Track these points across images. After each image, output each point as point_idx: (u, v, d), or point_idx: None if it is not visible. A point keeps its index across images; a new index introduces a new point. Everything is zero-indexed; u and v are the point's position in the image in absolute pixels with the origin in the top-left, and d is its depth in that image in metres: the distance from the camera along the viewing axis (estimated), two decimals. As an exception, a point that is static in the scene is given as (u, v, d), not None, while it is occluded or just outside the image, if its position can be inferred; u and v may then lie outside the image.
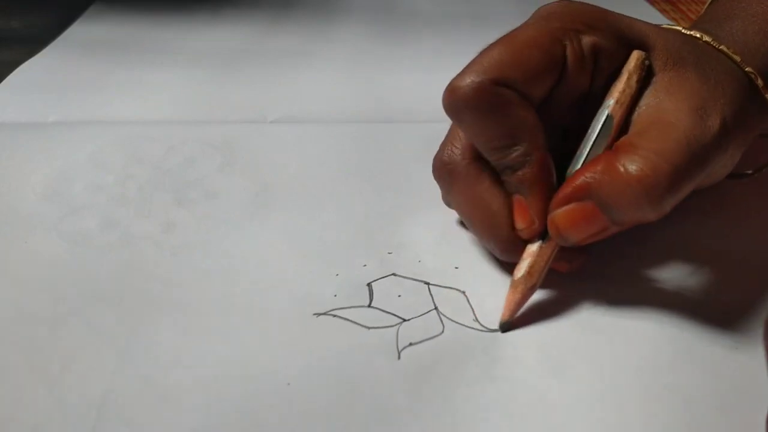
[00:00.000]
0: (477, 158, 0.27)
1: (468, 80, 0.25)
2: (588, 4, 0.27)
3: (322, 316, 0.26)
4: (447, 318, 0.26)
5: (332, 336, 0.25)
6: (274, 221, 0.31)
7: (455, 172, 0.28)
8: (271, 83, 0.44)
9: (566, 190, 0.25)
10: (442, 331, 0.26)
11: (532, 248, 0.26)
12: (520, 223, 0.26)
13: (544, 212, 0.26)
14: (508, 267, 0.28)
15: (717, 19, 0.32)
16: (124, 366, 0.24)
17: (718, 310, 0.26)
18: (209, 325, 0.26)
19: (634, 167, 0.23)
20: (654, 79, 0.26)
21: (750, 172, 0.31)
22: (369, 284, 0.28)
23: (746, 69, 0.28)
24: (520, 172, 0.26)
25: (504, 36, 0.26)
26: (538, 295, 0.27)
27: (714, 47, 0.28)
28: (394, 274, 0.28)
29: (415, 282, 0.28)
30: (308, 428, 0.22)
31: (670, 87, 0.26)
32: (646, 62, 0.26)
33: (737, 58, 0.28)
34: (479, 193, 0.27)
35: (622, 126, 0.26)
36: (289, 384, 0.23)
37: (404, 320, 0.26)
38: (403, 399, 0.23)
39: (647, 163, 0.23)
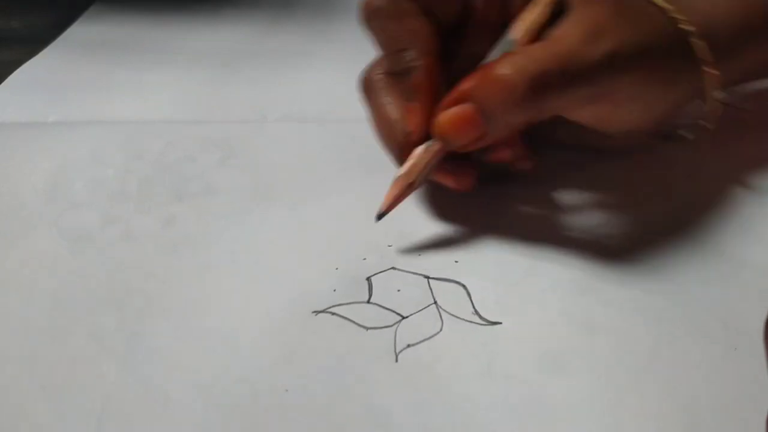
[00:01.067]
0: (389, 73, 0.29)
1: None
2: None
3: (321, 314, 0.26)
4: (446, 312, 0.26)
5: (331, 338, 0.25)
6: (273, 217, 0.31)
7: (370, 86, 0.30)
8: (271, 83, 0.44)
9: (452, 94, 0.27)
10: (441, 329, 0.26)
11: (418, 150, 0.28)
12: (409, 125, 0.28)
13: (430, 116, 0.27)
14: (510, 261, 0.28)
15: None
16: (124, 369, 0.24)
17: (718, 310, 0.26)
18: (209, 326, 0.26)
19: (504, 69, 0.25)
20: (567, 12, 0.28)
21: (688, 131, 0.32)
22: (368, 278, 0.28)
23: (680, 25, 0.28)
24: (410, 78, 0.28)
25: None
26: (539, 292, 0.27)
27: (650, 2, 0.29)
28: (393, 268, 0.28)
29: (414, 275, 0.28)
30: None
31: (577, 16, 0.27)
32: None
33: (690, 29, 0.28)
34: (385, 103, 0.29)
35: None
36: (287, 390, 0.23)
37: (403, 317, 0.26)
38: (400, 402, 0.23)
39: (514, 66, 0.25)
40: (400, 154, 0.28)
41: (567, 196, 0.32)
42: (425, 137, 0.28)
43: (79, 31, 0.52)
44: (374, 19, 0.29)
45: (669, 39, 0.28)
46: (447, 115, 0.27)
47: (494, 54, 0.28)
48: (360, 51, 0.49)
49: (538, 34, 0.28)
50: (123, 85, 0.44)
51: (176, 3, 0.57)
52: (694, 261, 0.28)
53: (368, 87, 0.30)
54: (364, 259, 0.28)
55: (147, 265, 0.29)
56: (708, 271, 0.28)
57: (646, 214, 0.31)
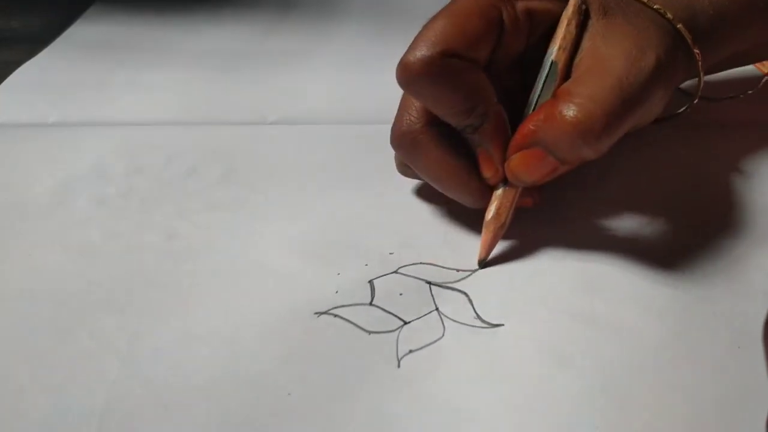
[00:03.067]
0: (433, 123, 0.29)
1: (418, 55, 0.27)
2: None
3: (323, 316, 0.26)
4: (448, 318, 0.26)
5: (333, 342, 0.25)
6: (274, 223, 0.31)
7: (417, 139, 0.29)
8: (271, 84, 0.44)
9: (517, 139, 0.28)
10: (443, 335, 0.26)
11: (498, 192, 0.29)
12: (486, 173, 0.29)
13: (505, 159, 0.28)
14: (512, 262, 0.28)
15: None
16: (126, 373, 0.24)
17: (721, 309, 0.26)
18: (211, 331, 0.26)
19: (570, 113, 0.26)
20: (590, 23, 0.28)
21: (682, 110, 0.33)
22: (371, 281, 0.28)
23: (678, 26, 0.29)
24: (480, 129, 0.28)
25: (445, 7, 0.28)
26: (541, 293, 0.27)
27: (646, 5, 0.29)
28: (395, 272, 0.28)
29: (416, 281, 0.28)
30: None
31: (605, 32, 0.28)
32: (583, 6, 0.28)
33: (670, 16, 0.29)
34: (445, 155, 0.29)
35: (566, 70, 0.28)
36: (289, 394, 0.23)
37: (405, 323, 0.26)
38: (402, 407, 0.23)
39: (581, 109, 0.25)
40: (479, 197, 0.29)
41: (564, 199, 0.32)
42: (502, 179, 0.29)
43: (79, 32, 0.52)
44: (421, 84, 0.27)
45: (670, 34, 0.29)
46: (518, 160, 0.28)
47: (541, 81, 0.28)
48: (360, 51, 0.49)
49: (574, 51, 0.28)
50: (123, 85, 0.44)
51: (176, 3, 0.57)
52: (699, 260, 0.28)
53: (415, 141, 0.29)
54: (366, 264, 0.28)
55: (149, 271, 0.29)
56: (712, 270, 0.28)
57: (647, 213, 0.31)
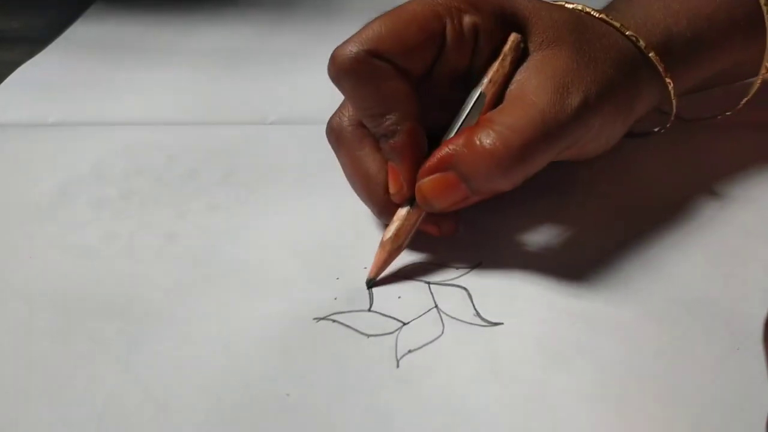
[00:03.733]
0: (362, 124, 0.29)
1: (347, 50, 0.27)
2: None
3: (322, 321, 0.26)
4: (447, 315, 0.26)
5: (332, 344, 0.25)
6: (274, 225, 0.31)
7: (341, 136, 0.29)
8: (271, 84, 0.44)
9: (432, 160, 0.27)
10: (442, 333, 0.26)
11: (402, 212, 0.28)
12: (392, 188, 0.28)
13: (413, 179, 0.27)
14: (511, 263, 0.28)
15: None
16: (125, 376, 0.24)
17: (720, 310, 0.26)
18: (209, 331, 0.26)
19: (488, 141, 0.25)
20: (529, 58, 0.28)
21: (657, 129, 0.33)
22: (369, 287, 0.28)
23: (649, 54, 0.29)
24: (392, 141, 0.27)
25: (390, 10, 0.27)
26: (540, 292, 0.27)
27: (607, 22, 0.29)
28: (394, 276, 0.28)
29: (415, 282, 0.28)
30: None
31: (540, 65, 0.27)
32: (521, 45, 0.28)
33: (642, 43, 0.29)
34: (360, 157, 0.29)
35: (495, 103, 0.27)
36: (288, 395, 0.23)
37: (404, 324, 0.26)
38: (401, 407, 0.23)
39: (499, 137, 0.25)
40: (381, 209, 0.29)
41: (563, 198, 0.32)
42: (408, 199, 0.28)
43: (79, 31, 0.52)
44: (346, 79, 0.27)
45: (630, 58, 0.29)
46: (429, 183, 0.27)
47: (466, 109, 0.27)
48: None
49: (505, 85, 0.28)
50: (123, 85, 0.44)
51: (176, 3, 0.57)
52: (697, 260, 0.28)
53: (339, 137, 0.29)
54: (365, 267, 0.28)
55: (148, 274, 0.29)
56: (711, 270, 0.28)
57: (646, 213, 0.31)
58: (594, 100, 0.27)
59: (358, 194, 0.30)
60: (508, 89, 0.28)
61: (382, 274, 0.28)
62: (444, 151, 0.26)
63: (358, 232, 0.30)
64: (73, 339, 0.26)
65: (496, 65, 0.27)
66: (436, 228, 0.29)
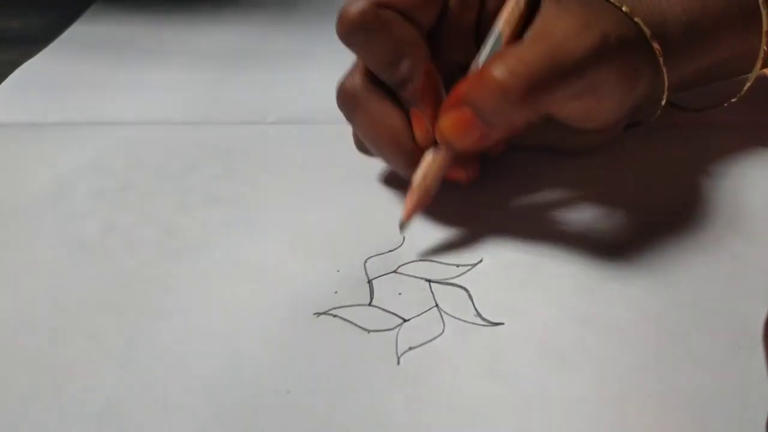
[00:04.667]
0: (375, 82, 0.29)
1: (354, 7, 0.28)
2: None
3: (322, 316, 0.26)
4: (448, 315, 0.26)
5: (332, 340, 0.25)
6: (274, 222, 0.31)
7: (356, 97, 0.29)
8: (271, 84, 0.44)
9: (449, 98, 0.27)
10: (443, 331, 0.26)
11: (427, 157, 0.28)
12: (417, 133, 0.28)
13: (434, 121, 0.28)
14: (512, 263, 0.28)
15: None
16: (125, 371, 0.24)
17: (721, 309, 0.26)
18: (210, 330, 0.26)
19: (497, 71, 0.25)
20: (543, 4, 0.28)
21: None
22: (370, 281, 0.28)
23: (635, 19, 0.29)
24: (410, 85, 0.28)
25: None
26: (541, 292, 0.27)
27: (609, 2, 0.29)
28: (395, 272, 0.28)
29: (416, 279, 0.28)
30: (308, 433, 0.22)
31: (556, 12, 0.27)
32: None
33: (626, 9, 0.29)
34: (380, 114, 0.29)
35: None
36: (288, 392, 0.23)
37: (405, 320, 0.26)
38: (402, 404, 0.23)
39: (507, 68, 0.25)
40: (410, 161, 0.29)
41: (564, 197, 0.32)
42: (433, 141, 0.28)
43: (79, 32, 0.52)
44: (356, 33, 0.28)
45: (634, 35, 0.29)
46: (448, 120, 0.27)
47: (485, 51, 0.28)
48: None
49: (522, 25, 0.28)
50: (123, 85, 0.44)
51: (176, 3, 0.57)
52: (698, 259, 0.28)
53: (354, 98, 0.30)
54: (366, 262, 0.28)
55: (148, 270, 0.29)
56: (711, 269, 0.28)
57: (646, 215, 0.31)
58: (613, 43, 0.27)
59: (383, 150, 0.30)
60: (526, 34, 0.28)
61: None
62: (460, 87, 0.27)
63: (358, 226, 0.30)
64: (72, 335, 0.26)
65: (511, 4, 0.28)
66: (463, 172, 0.29)
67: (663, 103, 0.31)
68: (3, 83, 0.44)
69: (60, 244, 0.30)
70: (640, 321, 0.26)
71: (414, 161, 0.29)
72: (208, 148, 0.37)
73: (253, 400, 0.23)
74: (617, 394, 0.23)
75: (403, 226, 0.28)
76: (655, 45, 0.29)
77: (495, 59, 0.26)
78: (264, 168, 0.35)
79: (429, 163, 0.28)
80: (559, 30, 0.26)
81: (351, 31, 0.28)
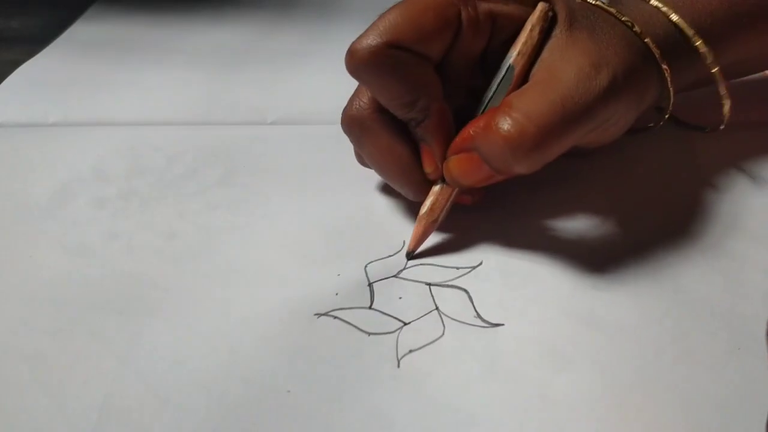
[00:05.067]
0: (382, 110, 0.29)
1: (365, 44, 0.27)
2: None
3: (322, 317, 0.26)
4: (448, 317, 0.26)
5: (332, 342, 0.25)
6: (275, 225, 0.31)
7: (364, 124, 0.29)
8: (271, 84, 0.44)
9: (457, 141, 0.28)
10: (443, 333, 0.26)
11: (435, 188, 0.29)
12: (427, 168, 0.29)
13: (445, 157, 0.28)
14: (511, 265, 0.28)
15: None
16: (125, 372, 0.24)
17: (721, 311, 0.26)
18: (210, 330, 0.26)
19: (504, 127, 0.25)
20: (554, 33, 0.28)
21: (651, 125, 0.33)
22: (370, 284, 0.28)
23: (645, 39, 0.29)
24: (423, 124, 0.28)
25: (402, 0, 0.28)
26: (541, 294, 0.27)
27: (615, 17, 0.29)
28: (395, 276, 0.28)
29: (416, 284, 0.28)
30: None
31: (566, 44, 0.27)
32: (550, 13, 0.28)
33: (638, 29, 0.29)
34: (388, 143, 0.29)
35: (524, 77, 0.28)
36: (289, 391, 0.23)
37: (405, 324, 0.26)
38: (402, 406, 0.23)
39: (515, 124, 0.25)
40: (418, 190, 0.29)
41: (564, 199, 0.32)
42: (442, 176, 0.29)
43: (79, 31, 0.52)
44: (367, 73, 0.27)
45: (639, 50, 0.29)
46: (455, 162, 0.28)
47: (495, 83, 0.28)
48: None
49: (534, 58, 0.28)
50: (123, 85, 0.44)
51: (177, 3, 0.57)
52: (698, 261, 0.28)
53: (362, 126, 0.29)
54: (366, 266, 0.28)
55: (149, 272, 0.29)
56: (712, 271, 0.28)
57: (646, 215, 0.31)
58: (621, 81, 0.27)
59: (392, 179, 0.30)
60: (535, 69, 0.28)
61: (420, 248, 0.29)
62: (468, 131, 0.27)
63: (358, 229, 0.30)
64: (73, 336, 0.26)
65: (524, 36, 0.27)
66: (469, 198, 0.30)
67: (670, 107, 0.31)
68: (3, 83, 0.44)
69: (61, 246, 0.30)
70: (640, 322, 0.26)
71: (422, 191, 0.29)
72: (209, 149, 0.37)
73: (253, 400, 0.23)
74: (618, 395, 0.23)
75: (409, 254, 0.29)
76: (664, 66, 0.29)
77: (502, 110, 0.26)
78: (264, 169, 0.35)
79: (437, 195, 0.29)
80: (568, 73, 0.26)
81: (362, 69, 0.27)
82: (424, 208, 0.29)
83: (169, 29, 0.52)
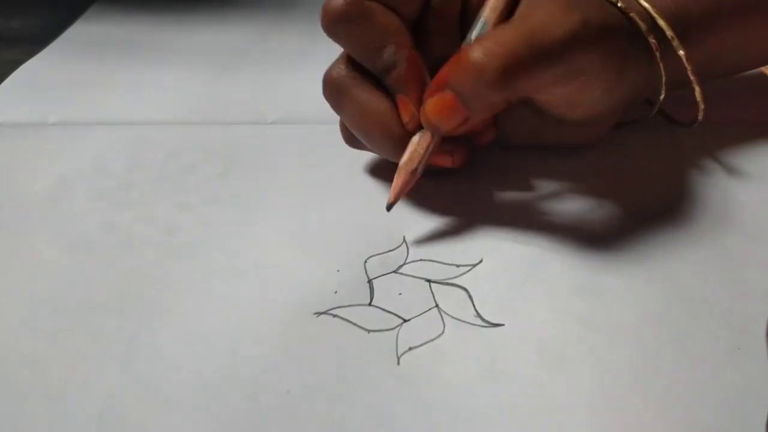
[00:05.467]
0: (360, 70, 0.30)
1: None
2: None
3: (322, 316, 0.26)
4: (448, 315, 0.26)
5: (332, 341, 0.25)
6: (274, 221, 0.31)
7: (342, 85, 0.30)
8: (271, 84, 0.44)
9: (433, 83, 0.28)
10: (443, 331, 0.26)
11: (414, 139, 0.29)
12: (404, 117, 0.29)
13: (419, 106, 0.28)
14: (511, 264, 0.28)
15: None
16: (125, 371, 0.24)
17: (721, 310, 0.26)
18: (210, 329, 0.26)
19: (474, 54, 0.26)
20: None
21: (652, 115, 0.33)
22: (370, 281, 0.28)
23: (630, 14, 0.29)
24: (394, 72, 0.28)
25: None
26: (541, 293, 0.27)
27: None
28: (395, 272, 0.28)
29: (416, 279, 0.28)
30: (308, 433, 0.22)
31: None
32: None
33: (622, 5, 0.29)
34: (367, 100, 0.29)
35: None
36: (288, 391, 0.23)
37: (405, 320, 0.26)
38: (402, 404, 0.23)
39: (484, 50, 0.26)
40: (399, 145, 0.29)
41: (564, 198, 0.32)
42: (419, 126, 0.29)
43: (79, 31, 0.52)
44: (340, 24, 0.29)
45: (623, 24, 0.29)
46: (431, 104, 0.28)
47: (469, 37, 0.29)
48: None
49: (509, 10, 0.29)
50: (123, 85, 0.44)
51: (177, 3, 0.57)
52: (697, 260, 0.28)
53: (341, 86, 0.30)
54: (365, 262, 0.28)
55: (148, 270, 0.29)
56: (711, 269, 0.28)
57: (646, 215, 0.31)
58: (595, 29, 0.27)
59: (372, 136, 0.30)
60: (509, 20, 0.28)
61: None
62: (441, 72, 0.27)
63: (358, 226, 0.30)
64: (73, 335, 0.26)
65: None
66: (449, 158, 0.30)
67: (662, 97, 0.31)
68: (3, 83, 0.44)
69: (60, 245, 0.30)
70: (640, 321, 0.26)
71: (403, 146, 0.29)
72: (208, 149, 0.37)
73: (253, 400, 0.23)
74: (617, 395, 0.23)
75: (390, 206, 0.29)
76: (651, 40, 0.29)
77: (474, 42, 0.27)
78: (264, 168, 0.35)
79: (415, 145, 0.29)
80: (540, 13, 0.27)
81: (335, 22, 0.28)
82: (403, 159, 0.29)
83: (170, 29, 0.52)
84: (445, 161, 0.30)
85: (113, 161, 0.36)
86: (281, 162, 0.36)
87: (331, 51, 0.31)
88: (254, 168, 0.35)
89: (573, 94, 0.29)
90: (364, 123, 0.30)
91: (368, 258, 0.29)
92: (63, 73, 0.45)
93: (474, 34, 0.29)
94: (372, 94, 0.30)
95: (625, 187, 0.33)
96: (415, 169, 0.29)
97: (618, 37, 0.28)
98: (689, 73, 0.30)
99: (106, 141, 0.37)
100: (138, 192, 0.33)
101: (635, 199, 0.32)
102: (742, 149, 0.35)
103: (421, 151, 0.29)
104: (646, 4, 0.30)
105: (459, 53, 0.27)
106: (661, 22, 0.30)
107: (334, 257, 0.29)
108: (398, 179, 0.29)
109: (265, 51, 0.49)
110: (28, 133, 0.38)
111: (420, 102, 0.28)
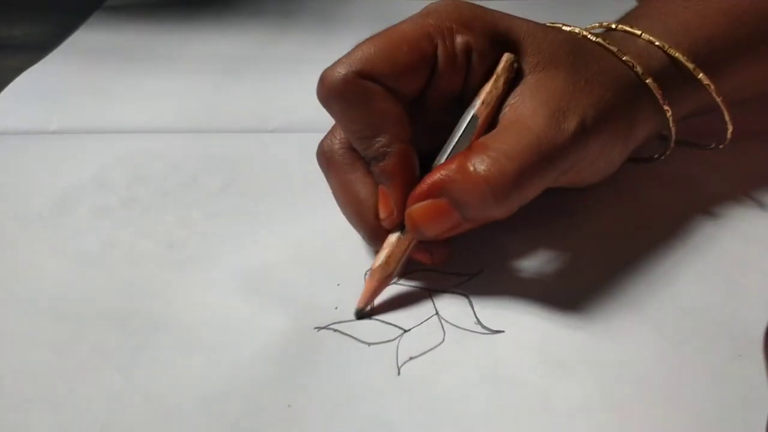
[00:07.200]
0: (352, 147, 0.28)
1: (336, 72, 0.26)
2: (471, 3, 0.28)
3: (323, 330, 0.26)
4: (448, 323, 0.26)
5: (333, 355, 0.25)
6: (275, 236, 0.31)
7: (331, 159, 0.28)
8: (272, 92, 0.44)
9: (423, 186, 0.26)
10: (443, 340, 0.26)
11: (392, 239, 0.27)
12: (382, 212, 0.27)
13: (404, 204, 0.26)
14: (512, 274, 0.28)
15: (631, 18, 0.32)
16: (127, 384, 0.24)
17: (722, 318, 0.26)
18: (211, 341, 0.26)
19: (482, 167, 0.24)
20: (523, 80, 0.27)
21: (656, 156, 0.32)
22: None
23: (647, 80, 0.28)
24: (382, 163, 0.26)
25: (381, 31, 0.27)
26: (540, 300, 0.27)
27: (604, 47, 0.29)
28: (395, 283, 0.28)
29: (416, 289, 0.28)
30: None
31: (535, 88, 0.27)
32: (515, 65, 0.27)
33: (639, 70, 0.28)
34: (350, 181, 0.28)
35: (489, 125, 0.27)
36: (289, 406, 0.23)
37: (405, 331, 0.26)
38: (402, 415, 0.23)
39: (494, 164, 0.24)
40: (371, 235, 0.28)
41: (563, 205, 0.32)
42: (399, 224, 0.27)
43: (81, 39, 0.52)
44: (336, 101, 0.26)
45: (627, 84, 0.28)
46: (420, 210, 0.26)
47: (459, 132, 0.27)
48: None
49: (499, 107, 0.27)
50: (125, 93, 0.44)
51: (178, 11, 0.57)
52: (697, 268, 0.28)
53: (329, 161, 0.29)
54: (366, 273, 0.28)
55: (150, 282, 0.29)
56: (711, 278, 0.28)
57: (646, 221, 0.31)
58: (591, 124, 0.26)
59: (348, 219, 0.29)
60: (502, 113, 0.27)
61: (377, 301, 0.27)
62: (436, 176, 0.25)
63: (358, 239, 0.30)
64: (75, 348, 0.26)
65: (488, 86, 0.27)
66: (428, 255, 0.28)
67: (671, 145, 0.31)
68: (5, 90, 0.44)
69: (62, 256, 0.30)
70: (640, 329, 0.26)
71: (375, 236, 0.28)
72: (209, 157, 0.37)
73: (254, 413, 0.23)
74: (617, 401, 0.23)
75: (358, 312, 0.27)
76: (665, 107, 0.29)
77: (476, 152, 0.25)
78: (265, 177, 0.35)
79: (393, 247, 0.27)
80: (538, 119, 0.25)
81: (330, 97, 0.26)
82: (378, 261, 0.27)
83: (171, 37, 0.53)
84: (425, 258, 0.28)
85: (115, 174, 0.36)
86: (282, 172, 0.36)
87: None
88: (255, 179, 0.35)
89: (584, 174, 0.29)
90: (342, 204, 0.29)
91: (368, 271, 0.29)
92: (65, 81, 0.45)
93: (462, 128, 0.27)
94: (356, 176, 0.28)
95: (624, 192, 0.33)
96: (391, 274, 0.27)
97: (623, 103, 0.27)
98: (725, 114, 0.30)
99: (107, 152, 0.37)
100: (139, 207, 0.33)
101: (635, 206, 0.32)
102: (745, 159, 0.35)
103: (399, 255, 0.27)
104: (675, 53, 0.29)
105: (459, 161, 0.25)
106: (678, 55, 0.29)
107: (335, 270, 0.29)
108: (370, 283, 0.26)
109: (265, 59, 0.49)
110: (29, 141, 0.39)
111: (403, 199, 0.26)
